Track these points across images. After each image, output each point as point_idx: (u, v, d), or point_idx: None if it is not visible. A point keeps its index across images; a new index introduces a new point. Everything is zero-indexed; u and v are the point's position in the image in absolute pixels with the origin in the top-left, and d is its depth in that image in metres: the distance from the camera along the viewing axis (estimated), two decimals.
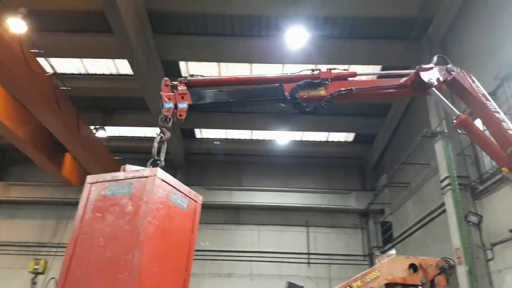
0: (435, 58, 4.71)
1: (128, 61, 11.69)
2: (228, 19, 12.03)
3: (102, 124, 16.16)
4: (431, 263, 6.14)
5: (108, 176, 3.09)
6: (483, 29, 9.58)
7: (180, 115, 3.71)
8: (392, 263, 6.25)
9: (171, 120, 3.65)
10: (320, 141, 18.46)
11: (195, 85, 4.01)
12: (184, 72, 13.96)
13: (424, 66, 4.47)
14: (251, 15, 11.78)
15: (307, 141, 18.39)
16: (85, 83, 14.27)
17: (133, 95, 14.67)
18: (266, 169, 19.33)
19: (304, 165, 19.26)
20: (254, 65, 13.44)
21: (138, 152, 18.86)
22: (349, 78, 4.38)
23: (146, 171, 3.00)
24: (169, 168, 19.27)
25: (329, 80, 4.32)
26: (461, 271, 9.37)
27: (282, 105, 4.27)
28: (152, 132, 17.72)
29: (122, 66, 13.77)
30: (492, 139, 4.38)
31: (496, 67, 8.60)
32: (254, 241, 18.36)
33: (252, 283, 17.53)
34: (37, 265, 13.03)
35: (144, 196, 2.82)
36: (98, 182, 3.10)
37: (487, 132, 4.54)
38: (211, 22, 12.16)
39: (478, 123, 4.77)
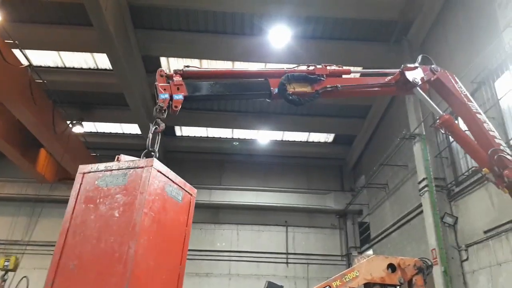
0: (419, 58, 4.76)
1: (107, 55, 11.42)
2: (211, 16, 11.92)
3: (79, 120, 15.75)
4: (409, 263, 6.18)
5: (101, 166, 3.00)
6: (461, 34, 9.77)
7: (176, 106, 3.66)
8: (371, 263, 6.27)
9: (166, 112, 3.59)
10: (301, 141, 18.53)
11: (190, 77, 3.95)
12: (165, 68, 13.72)
13: (409, 65, 4.50)
14: (234, 12, 11.71)
15: (288, 141, 18.43)
16: (62, 77, 13.89)
17: (111, 90, 14.37)
18: (246, 168, 19.27)
19: (284, 165, 19.29)
20: (237, 63, 13.36)
21: (117, 149, 18.50)
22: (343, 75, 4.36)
23: (142, 161, 2.92)
24: None
25: (325, 76, 4.28)
26: (437, 272, 9.54)
27: (268, 100, 4.21)
28: (131, 128, 17.44)
29: (101, 60, 13.47)
30: (474, 140, 4.44)
31: (474, 71, 8.78)
32: (233, 241, 18.28)
33: (230, 282, 17.45)
34: (7, 261, 12.57)
35: (140, 187, 2.72)
36: (90, 172, 2.99)
37: (468, 133, 4.60)
38: (193, 18, 12.02)
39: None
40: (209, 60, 13.42)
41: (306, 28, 12.09)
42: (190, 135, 18.31)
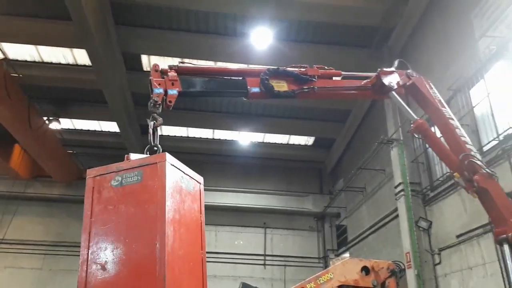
0: (396, 63, 4.83)
1: (86, 51, 11.21)
2: (194, 14, 11.84)
3: (56, 116, 15.42)
4: (383, 266, 6.30)
5: (112, 167, 3.01)
6: (439, 42, 9.99)
7: (170, 101, 3.67)
8: (345, 266, 6.36)
9: (161, 106, 3.58)
10: (281, 144, 18.58)
11: (185, 73, 3.96)
12: (145, 66, 13.60)
13: (385, 69, 4.56)
14: (217, 12, 11.66)
15: (269, 143, 18.46)
16: (39, 72, 13.53)
17: (90, 87, 14.09)
18: (226, 169, 19.20)
19: (264, 166, 19.32)
20: (219, 63, 13.31)
21: (94, 147, 18.24)
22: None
23: (155, 157, 2.96)
24: None
25: (316, 77, 4.34)
26: (410, 275, 9.70)
27: (244, 99, 4.21)
28: (109, 126, 17.15)
29: (80, 56, 13.19)
30: (446, 145, 4.53)
31: (450, 79, 8.99)
32: (211, 242, 18.14)
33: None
34: None
35: (158, 182, 2.76)
36: (101, 174, 3.00)
37: (442, 139, 4.69)
38: (176, 16, 11.92)
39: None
40: (191, 60, 13.28)
41: (288, 31, 12.15)
42: (170, 134, 18.14)
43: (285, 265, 17.93)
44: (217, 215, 18.40)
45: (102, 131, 17.63)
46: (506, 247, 3.93)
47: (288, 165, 19.62)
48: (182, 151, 18.72)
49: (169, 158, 2.92)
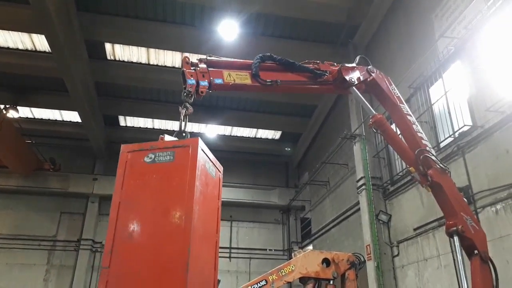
0: (357, 59, 4.93)
1: (46, 37, 10.77)
2: (160, 4, 11.59)
3: (14, 104, 14.75)
4: (343, 258, 6.44)
5: (147, 145, 3.18)
6: (402, 41, 10.27)
7: (202, 92, 3.83)
8: (307, 258, 6.46)
9: (193, 96, 3.77)
10: (248, 137, 18.64)
11: (213, 66, 4.09)
12: (109, 54, 13.21)
13: (347, 65, 4.65)
14: (185, 2, 11.46)
15: (236, 136, 18.46)
16: None
17: (50, 74, 13.57)
18: None
19: (231, 160, 19.22)
20: (186, 54, 13.11)
21: (55, 137, 17.60)
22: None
23: (188, 140, 3.20)
24: (88, 156, 18.21)
25: (328, 72, 4.60)
26: (370, 266, 10.01)
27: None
28: (71, 116, 16.59)
29: (40, 42, 12.64)
30: (403, 140, 4.67)
31: (411, 77, 9.27)
32: None
33: None
34: None
35: (189, 163, 2.99)
36: (135, 150, 3.17)
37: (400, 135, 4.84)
38: (141, 5, 11.62)
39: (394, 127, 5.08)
40: (157, 50, 13.08)
41: (256, 25, 12.14)
42: (135, 126, 17.77)
43: (250, 258, 18.07)
44: None
45: (63, 120, 17.04)
46: (456, 239, 4.13)
47: (255, 158, 19.72)
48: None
49: (201, 143, 3.15)
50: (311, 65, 4.64)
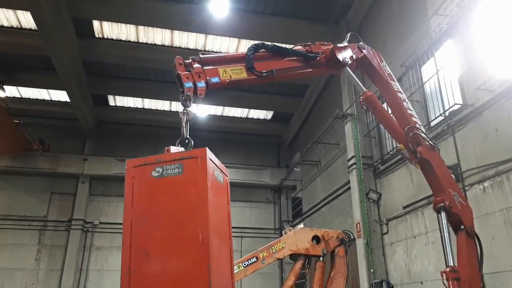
0: (348, 36, 4.87)
1: (31, 13, 10.48)
2: None
3: (0, 83, 14.46)
4: (332, 235, 6.54)
5: (152, 158, 3.09)
6: (394, 19, 10.18)
7: (200, 94, 3.71)
8: (297, 235, 6.54)
9: (192, 100, 3.65)
10: (240, 117, 18.56)
11: (208, 63, 3.94)
12: (97, 32, 12.92)
13: (338, 45, 4.59)
14: None
15: (227, 116, 18.37)
16: None
17: (37, 52, 13.27)
18: None
19: (223, 140, 19.23)
20: (176, 32, 12.90)
21: (43, 117, 17.36)
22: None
23: (196, 151, 3.07)
24: (78, 136, 18.03)
25: (320, 53, 4.49)
26: (360, 244, 10.18)
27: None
28: (59, 95, 16.34)
29: (26, 19, 12.31)
30: (393, 118, 4.67)
31: (403, 56, 9.23)
32: None
33: None
34: None
35: (199, 176, 2.91)
36: (140, 165, 3.06)
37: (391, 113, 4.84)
38: None
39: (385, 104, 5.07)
40: (146, 27, 12.81)
41: (247, 1, 11.91)
42: (125, 105, 17.57)
43: (241, 236, 18.23)
44: None
45: (51, 100, 16.78)
46: (443, 214, 4.18)
47: (247, 138, 19.69)
48: (138, 123, 18.32)
49: (208, 153, 3.06)
50: (303, 48, 4.54)
